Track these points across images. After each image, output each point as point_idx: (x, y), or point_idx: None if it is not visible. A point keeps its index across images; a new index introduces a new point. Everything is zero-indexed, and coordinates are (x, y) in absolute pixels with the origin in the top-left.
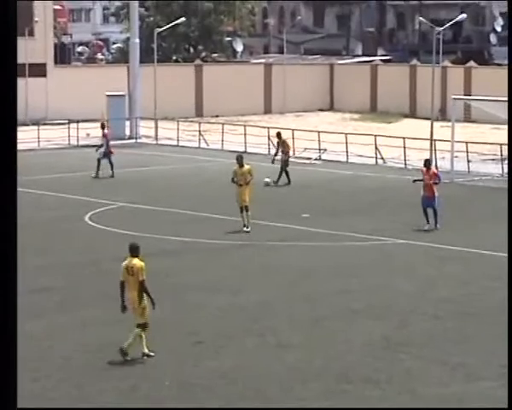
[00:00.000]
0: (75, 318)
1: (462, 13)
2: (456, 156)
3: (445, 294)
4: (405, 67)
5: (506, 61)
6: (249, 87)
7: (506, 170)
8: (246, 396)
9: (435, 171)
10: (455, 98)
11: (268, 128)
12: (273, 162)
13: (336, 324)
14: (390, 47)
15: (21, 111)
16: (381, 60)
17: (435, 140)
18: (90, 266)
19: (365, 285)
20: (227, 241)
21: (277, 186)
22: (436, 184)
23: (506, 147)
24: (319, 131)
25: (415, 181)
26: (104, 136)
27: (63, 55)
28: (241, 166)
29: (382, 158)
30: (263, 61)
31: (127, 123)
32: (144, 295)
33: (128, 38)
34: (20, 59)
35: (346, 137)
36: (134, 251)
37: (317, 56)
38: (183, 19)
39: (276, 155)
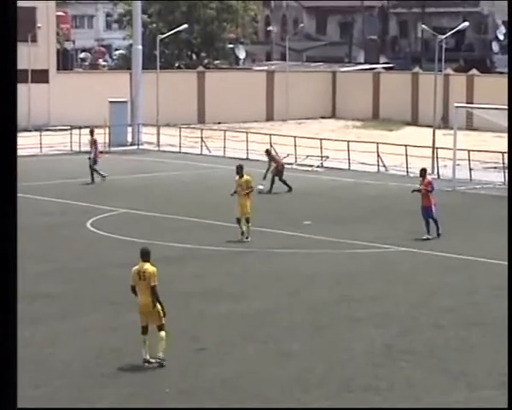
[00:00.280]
0: (76, 324)
1: (464, 21)
2: (458, 164)
3: (447, 302)
4: (408, 75)
5: (508, 70)
6: (251, 94)
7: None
8: (247, 403)
9: (430, 179)
10: (457, 106)
11: (270, 135)
12: (264, 178)
13: (338, 331)
14: (392, 55)
15: (24, 117)
16: (384, 67)
17: (437, 148)
18: (92, 273)
19: (367, 293)
20: (229, 248)
21: (277, 194)
22: (429, 192)
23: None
24: (321, 139)
25: (413, 191)
26: (93, 142)
27: (66, 61)
28: (241, 176)
29: (384, 166)
30: (265, 68)
31: (129, 129)
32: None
33: (131, 45)
34: (23, 65)
35: (348, 145)
36: (145, 256)
37: (320, 64)
38: (185, 26)
39: (267, 171)
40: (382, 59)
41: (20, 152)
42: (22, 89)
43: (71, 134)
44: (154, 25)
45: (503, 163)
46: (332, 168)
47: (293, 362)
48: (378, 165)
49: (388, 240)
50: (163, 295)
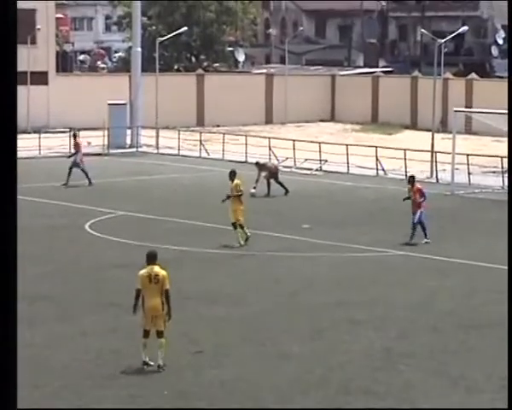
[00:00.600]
0: (75, 325)
1: (463, 25)
2: (457, 168)
3: (446, 306)
4: (407, 79)
5: (507, 74)
6: (250, 97)
7: (507, 182)
8: (246, 406)
9: (418, 187)
10: (456, 110)
11: (269, 138)
12: (253, 191)
13: (336, 335)
14: (392, 58)
15: (23, 119)
16: (383, 71)
17: (436, 152)
18: (91, 274)
19: (365, 296)
20: (227, 251)
21: (276, 197)
22: (421, 201)
23: (507, 159)
24: (320, 142)
25: (404, 200)
26: (76, 145)
27: (65, 63)
28: (232, 181)
29: (383, 169)
30: (264, 71)
31: (128, 132)
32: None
33: (130, 47)
34: (22, 67)
35: (347, 148)
36: (153, 259)
37: (319, 67)
38: (185, 28)
39: (257, 181)
40: (381, 63)
41: (19, 154)
42: (21, 91)
43: (70, 136)
44: (154, 27)
45: (502, 167)
46: (331, 172)
47: (292, 365)
48: (377, 168)
49: (387, 243)
50: None
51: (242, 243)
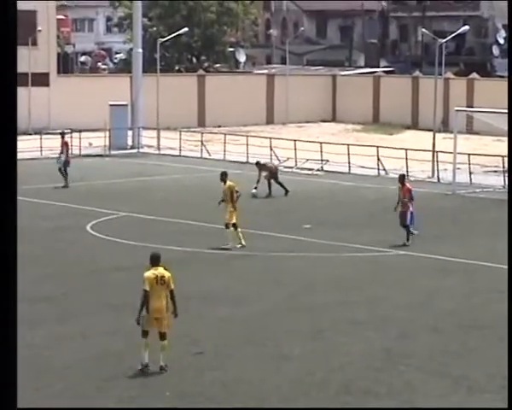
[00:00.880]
0: (76, 327)
1: (464, 25)
2: (459, 168)
3: (447, 306)
4: (408, 79)
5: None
6: (251, 98)
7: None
8: (247, 407)
9: (409, 187)
10: (457, 110)
11: (270, 139)
12: (256, 188)
13: (337, 335)
14: (393, 58)
15: (24, 120)
16: (384, 71)
17: (437, 152)
18: (92, 276)
19: (366, 297)
20: (229, 251)
21: (277, 198)
22: (409, 201)
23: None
24: (321, 142)
25: (395, 209)
26: (64, 144)
27: (66, 64)
28: (224, 183)
29: (384, 169)
30: (265, 71)
31: (129, 133)
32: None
33: (131, 48)
34: (24, 68)
35: (348, 148)
36: (157, 261)
37: (320, 67)
38: (185, 29)
39: (258, 181)
40: (382, 63)
41: (20, 155)
42: (22, 92)
43: (71, 137)
44: (155, 28)
45: (503, 167)
46: (332, 172)
47: (293, 366)
48: (378, 168)
49: (388, 244)
50: None
51: (243, 242)
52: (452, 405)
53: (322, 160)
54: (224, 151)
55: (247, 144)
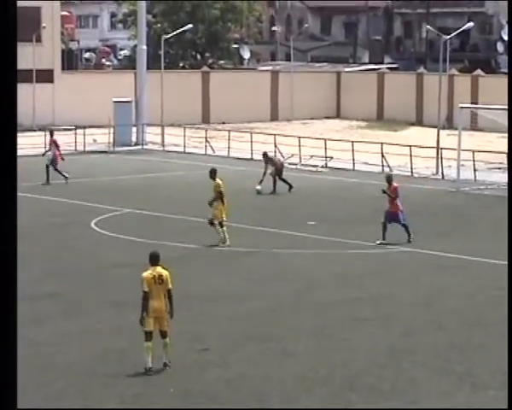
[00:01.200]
0: (80, 324)
1: (469, 21)
2: (463, 165)
3: (451, 303)
4: (412, 76)
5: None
6: (256, 94)
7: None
8: (250, 404)
9: (395, 185)
10: (462, 107)
11: (274, 135)
12: (261, 183)
13: (341, 332)
14: (397, 55)
15: (28, 117)
16: (388, 68)
17: (442, 148)
18: (96, 272)
19: (370, 294)
20: (233, 248)
21: (281, 194)
22: (394, 198)
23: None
24: (325, 139)
25: (384, 192)
26: (53, 143)
27: (70, 61)
28: (214, 180)
29: (389, 166)
30: (270, 68)
31: (134, 129)
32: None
33: (135, 45)
34: (28, 65)
35: (353, 145)
36: (156, 260)
37: (324, 64)
38: (190, 26)
39: (264, 174)
40: (387, 59)
41: (24, 152)
42: (27, 89)
43: (75, 134)
44: (159, 25)
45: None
46: (336, 168)
47: (297, 362)
48: (382, 165)
49: (392, 240)
50: None
51: (225, 240)
52: (456, 402)
53: (326, 156)
54: (229, 148)
55: (252, 141)
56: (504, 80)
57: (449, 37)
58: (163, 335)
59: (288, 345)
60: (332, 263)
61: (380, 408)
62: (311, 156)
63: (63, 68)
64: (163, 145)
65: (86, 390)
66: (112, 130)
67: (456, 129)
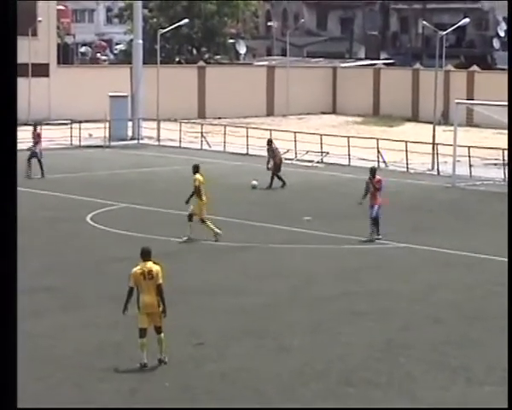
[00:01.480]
0: (77, 318)
1: (465, 17)
2: (459, 160)
3: (447, 298)
4: (408, 71)
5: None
6: (252, 89)
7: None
8: (246, 398)
9: (379, 178)
10: (458, 102)
11: (270, 130)
12: (255, 183)
13: (337, 326)
14: (393, 51)
15: (24, 111)
16: (384, 63)
17: (437, 144)
18: (92, 267)
19: (367, 288)
20: (229, 243)
21: (276, 189)
22: (378, 190)
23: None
24: (321, 134)
25: (364, 197)
26: (37, 136)
27: (66, 55)
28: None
29: (384, 162)
30: (266, 63)
31: (129, 124)
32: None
33: (131, 39)
34: (24, 59)
35: (349, 141)
36: (147, 255)
37: (320, 59)
38: (186, 20)
39: (268, 162)
40: (383, 55)
41: (20, 146)
42: (22, 83)
43: (71, 128)
44: (155, 19)
45: (504, 160)
46: (332, 164)
47: (293, 357)
48: (378, 161)
49: (388, 236)
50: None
51: (188, 235)
52: (452, 396)
53: (322, 152)
54: (224, 143)
55: (248, 136)
56: (500, 76)
57: (445, 33)
58: (157, 330)
59: (284, 340)
60: (328, 258)
61: (377, 408)
62: (307, 152)
63: (59, 62)
64: (159, 140)
65: (83, 384)
66: (107, 124)
67: (451, 125)
